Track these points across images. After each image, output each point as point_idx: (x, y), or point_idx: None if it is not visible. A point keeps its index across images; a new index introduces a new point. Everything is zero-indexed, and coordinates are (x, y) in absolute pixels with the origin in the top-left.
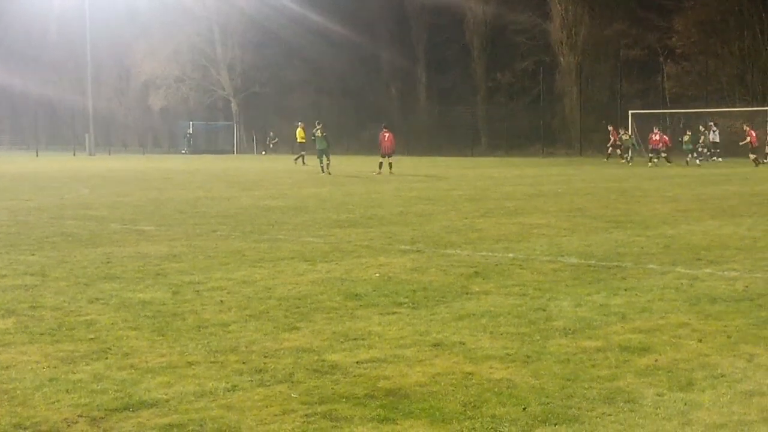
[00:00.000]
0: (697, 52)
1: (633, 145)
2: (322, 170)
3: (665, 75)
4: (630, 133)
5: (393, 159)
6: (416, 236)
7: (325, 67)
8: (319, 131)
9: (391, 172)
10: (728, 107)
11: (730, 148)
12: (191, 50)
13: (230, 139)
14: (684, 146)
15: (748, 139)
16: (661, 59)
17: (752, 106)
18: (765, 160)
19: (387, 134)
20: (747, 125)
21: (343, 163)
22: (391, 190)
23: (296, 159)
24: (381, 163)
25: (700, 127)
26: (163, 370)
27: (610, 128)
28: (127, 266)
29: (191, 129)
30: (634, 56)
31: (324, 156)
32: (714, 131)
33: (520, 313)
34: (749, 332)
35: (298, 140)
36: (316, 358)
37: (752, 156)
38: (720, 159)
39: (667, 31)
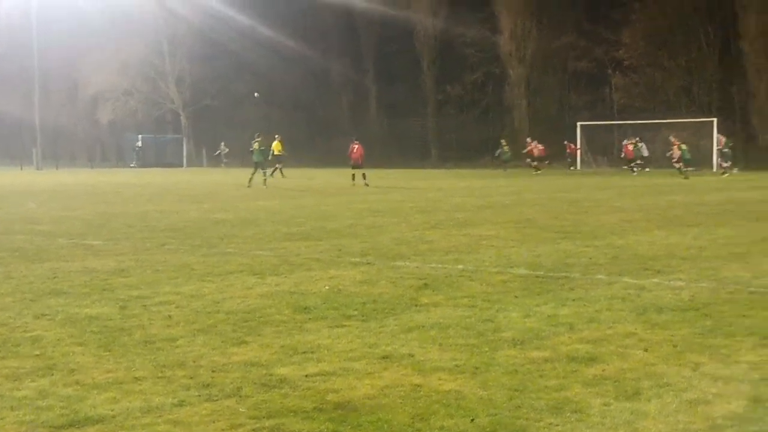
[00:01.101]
0: (644, 64)
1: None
2: (249, 183)
3: (613, 87)
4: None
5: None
6: (366, 248)
7: (275, 80)
8: (257, 144)
9: (365, 184)
10: (675, 118)
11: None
12: (140, 63)
13: (179, 152)
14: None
15: (674, 150)
16: (609, 71)
17: (698, 117)
18: (687, 170)
19: (356, 146)
20: (673, 137)
21: (294, 176)
22: (342, 202)
23: (273, 172)
24: (353, 175)
25: (632, 140)
26: (110, 386)
27: (566, 143)
28: (74, 281)
29: (140, 142)
30: (582, 68)
31: (259, 168)
32: (640, 145)
33: (469, 325)
34: (695, 341)
35: (275, 153)
36: (264, 372)
37: (677, 166)
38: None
39: (615, 43)
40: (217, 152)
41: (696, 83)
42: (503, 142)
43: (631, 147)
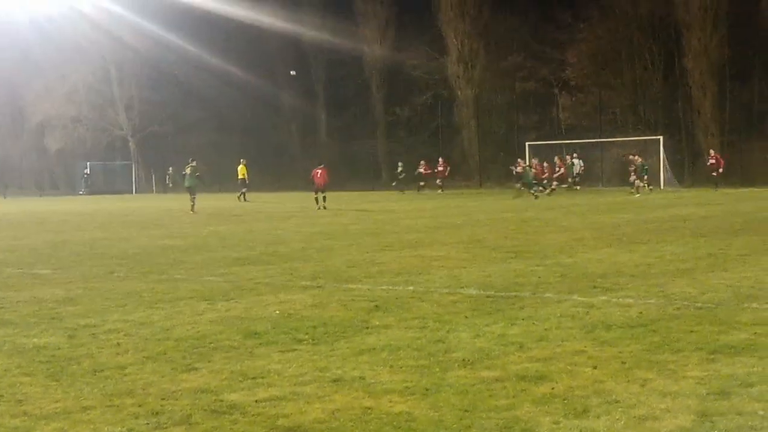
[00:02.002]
0: (590, 84)
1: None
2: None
3: (560, 106)
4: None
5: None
6: (317, 272)
7: (224, 106)
8: (189, 168)
9: (324, 207)
10: (622, 137)
11: (619, 176)
12: (88, 90)
13: (128, 178)
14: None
15: (561, 169)
16: (556, 91)
17: (645, 135)
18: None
19: (319, 171)
20: (570, 155)
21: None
22: (293, 226)
23: (239, 196)
24: (316, 199)
25: (567, 156)
26: (58, 416)
27: (520, 161)
28: (22, 311)
29: (88, 169)
30: (529, 88)
31: (190, 193)
32: (574, 162)
33: (420, 346)
34: (643, 357)
35: (240, 177)
36: (214, 398)
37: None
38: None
39: (561, 63)
40: (167, 180)
41: (642, 101)
42: (400, 163)
43: (522, 166)
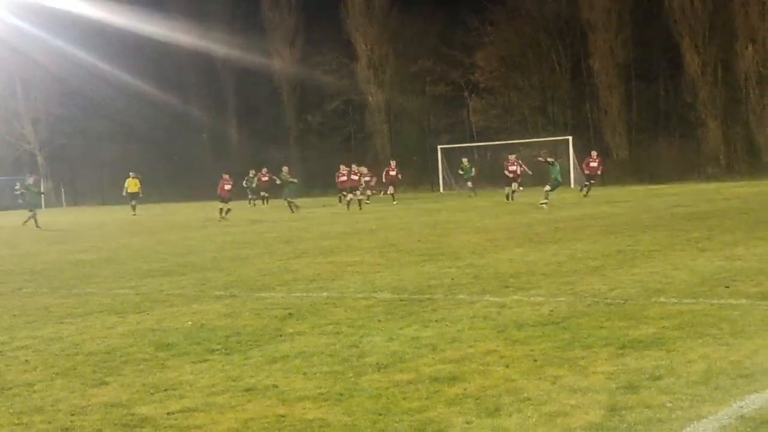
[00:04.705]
0: (499, 86)
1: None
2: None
3: (470, 109)
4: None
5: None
6: (230, 281)
7: (133, 118)
8: (31, 180)
9: (225, 218)
10: (532, 138)
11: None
12: None
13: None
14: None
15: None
16: (466, 94)
17: (554, 136)
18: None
19: (225, 180)
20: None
21: (156, 212)
22: (205, 236)
23: (132, 208)
24: (221, 209)
25: (463, 159)
26: None
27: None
28: None
29: None
30: (440, 92)
31: (29, 208)
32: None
33: (334, 352)
34: (554, 355)
35: (129, 191)
36: (125, 412)
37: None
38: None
39: (470, 66)
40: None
41: (550, 102)
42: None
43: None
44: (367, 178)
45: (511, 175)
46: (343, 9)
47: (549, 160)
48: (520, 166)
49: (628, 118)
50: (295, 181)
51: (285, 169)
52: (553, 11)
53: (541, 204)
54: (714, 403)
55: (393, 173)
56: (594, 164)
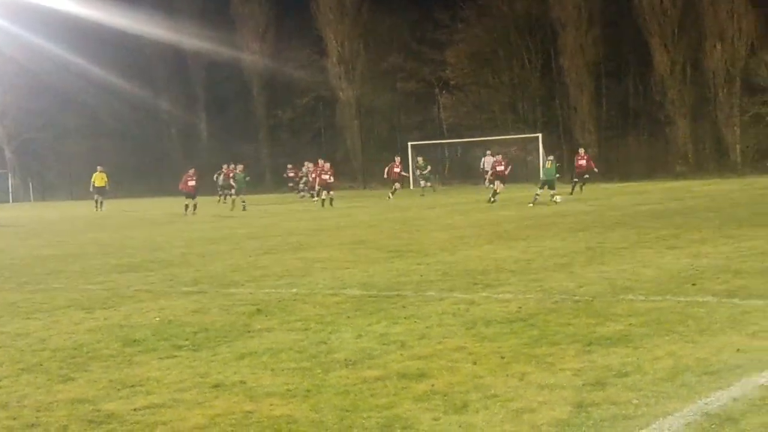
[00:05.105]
0: (470, 83)
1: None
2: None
3: (441, 106)
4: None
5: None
6: (199, 277)
7: (102, 112)
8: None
9: (194, 212)
10: (502, 135)
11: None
12: None
13: (5, 187)
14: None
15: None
16: (437, 91)
17: (525, 133)
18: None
19: (189, 176)
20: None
21: (125, 207)
22: (174, 231)
23: (101, 204)
24: (186, 206)
25: (418, 158)
26: None
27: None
28: None
29: None
30: (411, 89)
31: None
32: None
33: (302, 348)
34: (521, 351)
35: (96, 185)
36: (91, 408)
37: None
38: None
39: (441, 63)
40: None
41: (521, 100)
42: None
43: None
44: (314, 175)
45: (498, 174)
46: (314, 4)
47: (550, 158)
48: (506, 167)
49: (597, 115)
50: (248, 179)
51: (240, 167)
52: (524, 9)
53: (555, 200)
54: (679, 399)
55: (397, 170)
56: (582, 162)
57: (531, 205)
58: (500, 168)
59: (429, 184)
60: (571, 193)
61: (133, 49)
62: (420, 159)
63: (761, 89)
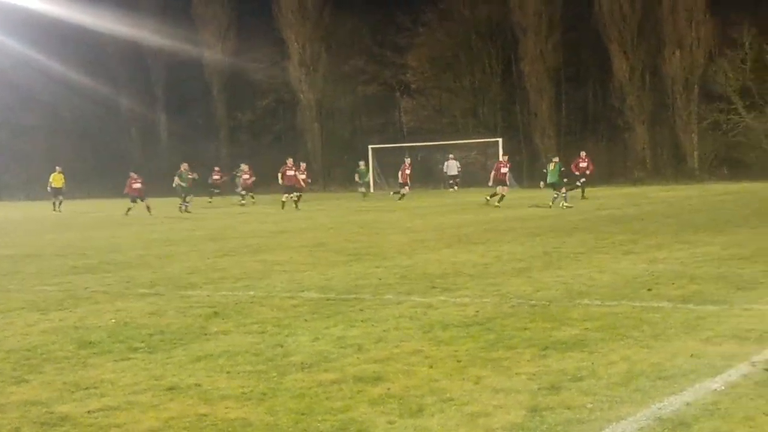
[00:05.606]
0: (431, 87)
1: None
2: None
3: (402, 110)
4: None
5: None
6: (156, 279)
7: (61, 110)
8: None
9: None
10: (463, 139)
11: (465, 178)
12: None
13: None
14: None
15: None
16: (398, 94)
17: (485, 138)
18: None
19: (133, 179)
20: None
21: (83, 208)
22: (132, 233)
23: (59, 205)
24: (129, 209)
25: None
26: None
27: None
28: None
29: None
30: (372, 92)
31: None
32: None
33: (258, 351)
34: (478, 355)
35: (54, 185)
36: (44, 410)
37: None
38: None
39: (402, 67)
40: None
41: (481, 104)
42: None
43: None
44: (246, 176)
45: (500, 178)
46: (275, 6)
47: (554, 159)
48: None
49: (557, 121)
50: (195, 177)
51: (184, 165)
52: (485, 14)
53: (565, 206)
54: (633, 404)
55: (408, 172)
56: (583, 164)
57: (551, 206)
58: (504, 170)
59: (364, 189)
60: (565, 193)
61: (94, 46)
62: (361, 164)
63: (719, 96)
